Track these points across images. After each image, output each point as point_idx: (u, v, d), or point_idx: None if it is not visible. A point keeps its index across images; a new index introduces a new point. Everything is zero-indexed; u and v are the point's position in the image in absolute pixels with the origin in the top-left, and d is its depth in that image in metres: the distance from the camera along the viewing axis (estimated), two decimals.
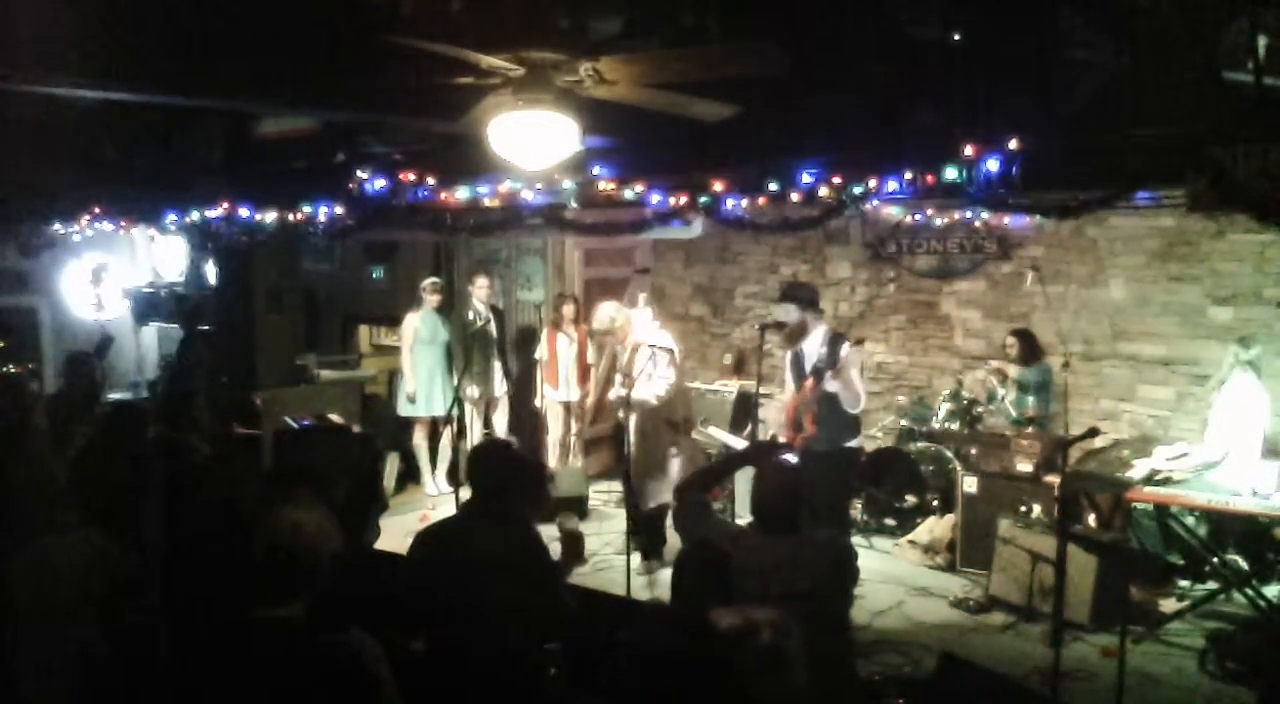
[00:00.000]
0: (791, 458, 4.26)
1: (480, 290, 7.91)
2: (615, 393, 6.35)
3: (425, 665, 3.28)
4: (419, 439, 8.05)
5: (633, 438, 6.13)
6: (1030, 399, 7.04)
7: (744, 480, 6.73)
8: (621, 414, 6.25)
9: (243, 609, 2.40)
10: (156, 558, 3.75)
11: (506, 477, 3.56)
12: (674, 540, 6.51)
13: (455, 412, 6.91)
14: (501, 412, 8.13)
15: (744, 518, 6.41)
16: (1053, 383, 7.18)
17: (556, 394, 8.02)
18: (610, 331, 6.39)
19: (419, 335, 7.93)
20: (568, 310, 8.00)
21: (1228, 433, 5.63)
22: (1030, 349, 7.26)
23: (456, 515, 3.65)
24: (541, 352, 8.04)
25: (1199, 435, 6.23)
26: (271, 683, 2.32)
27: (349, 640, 2.41)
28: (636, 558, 6.00)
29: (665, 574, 3.14)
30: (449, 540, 3.49)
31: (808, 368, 5.49)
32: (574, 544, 3.70)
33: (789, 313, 5.49)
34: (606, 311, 6.41)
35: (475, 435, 8.02)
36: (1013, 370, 7.25)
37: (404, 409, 8.05)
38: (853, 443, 5.49)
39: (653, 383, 6.08)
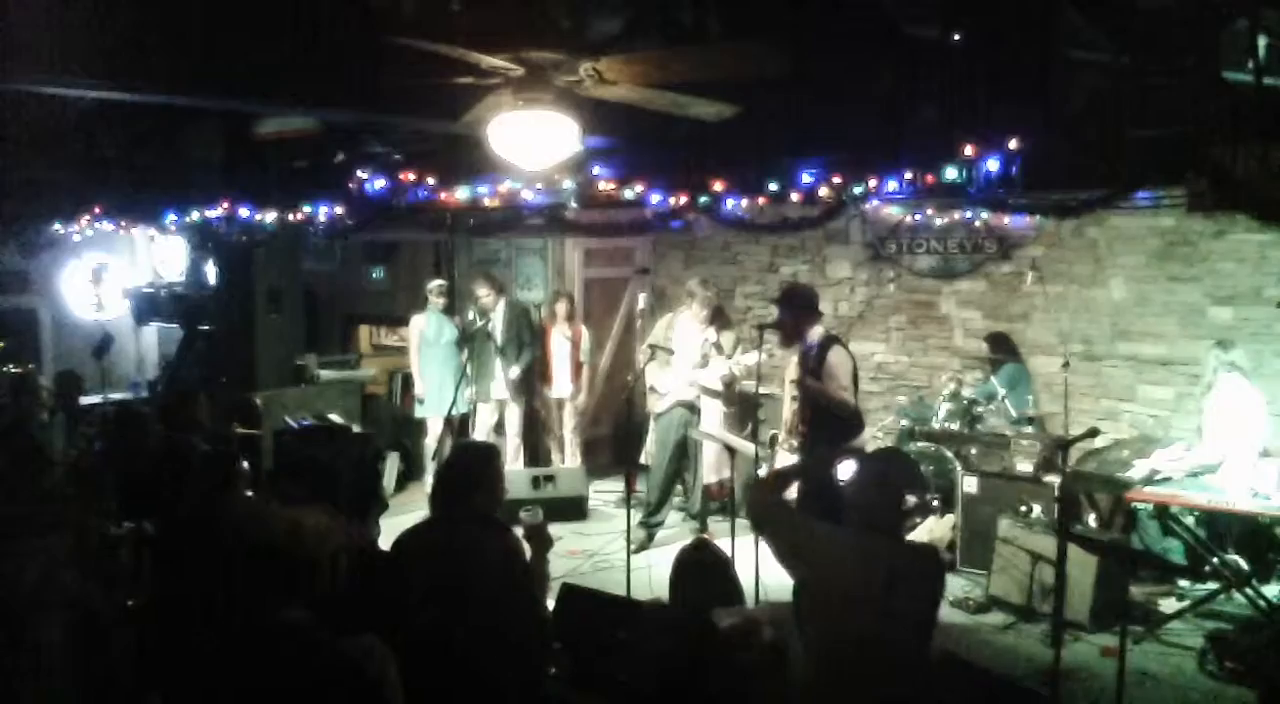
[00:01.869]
0: (851, 462, 4.21)
1: (481, 298, 7.86)
2: (670, 377, 6.73)
3: (415, 666, 3.28)
4: (431, 440, 8.02)
5: (715, 411, 6.74)
6: (1013, 401, 7.07)
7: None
8: (673, 395, 6.76)
9: (243, 612, 2.37)
10: (157, 557, 3.76)
11: (480, 477, 3.54)
12: (670, 537, 6.55)
13: (457, 412, 6.91)
14: (512, 412, 8.06)
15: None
16: (1021, 384, 7.19)
17: (551, 391, 8.05)
18: (707, 300, 6.76)
19: (424, 336, 7.93)
20: (561, 308, 8.01)
21: (1223, 437, 5.61)
22: (997, 353, 7.33)
23: (434, 518, 3.61)
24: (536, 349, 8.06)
25: (1198, 436, 6.21)
26: (270, 687, 2.29)
27: (353, 645, 2.37)
28: (638, 557, 6.01)
29: (664, 572, 3.12)
30: (430, 543, 3.47)
31: (794, 372, 5.51)
32: (539, 537, 3.67)
33: (780, 316, 5.49)
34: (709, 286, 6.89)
35: (483, 436, 8.01)
36: (967, 386, 7.29)
37: (417, 410, 8.04)
38: (854, 445, 5.44)
39: (746, 356, 6.58)
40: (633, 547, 5.99)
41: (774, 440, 6.84)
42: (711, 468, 6.89)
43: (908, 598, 3.10)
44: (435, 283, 8.11)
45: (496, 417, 7.96)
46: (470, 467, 3.53)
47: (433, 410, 7.89)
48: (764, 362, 5.75)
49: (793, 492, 5.46)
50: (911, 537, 6.60)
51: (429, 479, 8.11)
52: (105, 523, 3.72)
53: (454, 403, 6.82)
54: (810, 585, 3.23)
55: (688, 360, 6.69)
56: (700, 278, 7.00)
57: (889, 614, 3.04)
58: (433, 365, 7.91)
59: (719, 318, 6.86)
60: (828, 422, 5.17)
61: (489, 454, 3.67)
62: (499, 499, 3.58)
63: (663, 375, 6.76)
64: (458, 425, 7.90)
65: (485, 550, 3.39)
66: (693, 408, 6.74)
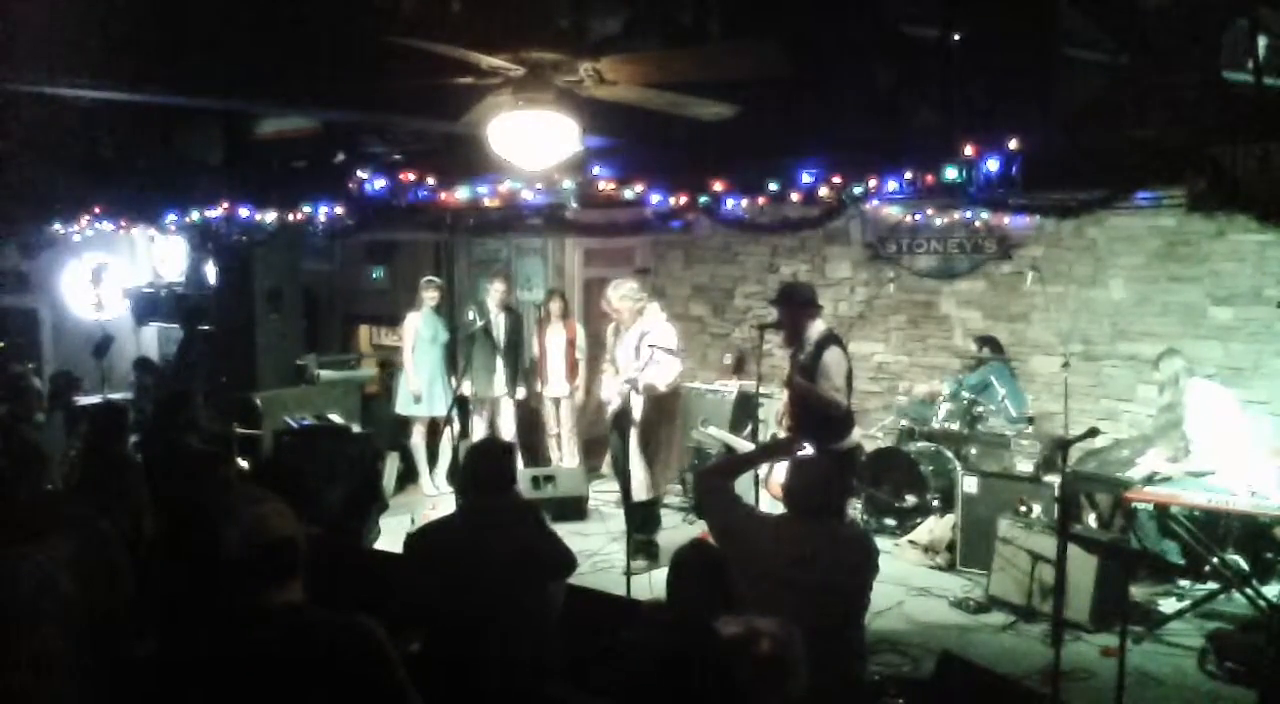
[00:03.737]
0: (808, 452, 4.29)
1: (496, 293, 7.88)
2: (614, 383, 6.37)
3: (426, 666, 3.28)
4: (417, 439, 8.05)
5: (633, 425, 6.18)
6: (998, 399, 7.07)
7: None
8: (615, 403, 6.29)
9: (245, 598, 2.40)
10: (150, 557, 3.75)
11: (512, 473, 3.59)
12: (671, 538, 6.54)
13: (455, 412, 6.91)
14: (506, 412, 8.10)
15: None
16: (1004, 379, 7.18)
17: (547, 390, 8.07)
18: (617, 309, 6.38)
19: (420, 335, 7.93)
20: (556, 307, 8.03)
21: (1212, 443, 5.59)
22: (985, 351, 7.33)
23: (455, 515, 3.64)
24: (533, 348, 8.07)
25: (1159, 443, 6.18)
26: (290, 662, 2.33)
27: (361, 620, 2.44)
28: (637, 557, 6.00)
29: (664, 573, 3.13)
30: (452, 541, 3.49)
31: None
32: None
33: (779, 316, 5.48)
34: (622, 289, 6.39)
35: (477, 436, 8.03)
36: (946, 387, 7.31)
37: (405, 408, 8.04)
38: (843, 444, 5.40)
39: (660, 369, 6.05)
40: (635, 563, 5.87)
41: (771, 441, 6.84)
42: (642, 485, 6.31)
43: (828, 577, 3.31)
44: (426, 278, 8.13)
45: (489, 415, 7.98)
46: (502, 463, 3.66)
47: (424, 409, 7.91)
48: (763, 361, 5.74)
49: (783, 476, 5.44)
50: (912, 536, 6.62)
51: (424, 479, 8.13)
52: (108, 523, 3.71)
53: (453, 404, 6.83)
54: (739, 566, 3.38)
55: (631, 368, 6.23)
56: (612, 284, 6.51)
57: (809, 592, 3.23)
58: (426, 364, 7.91)
59: (636, 317, 6.33)
60: (816, 421, 5.16)
61: (511, 450, 3.87)
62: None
63: (610, 385, 6.51)
64: (444, 424, 7.88)
65: (515, 548, 3.46)
66: (627, 416, 6.24)
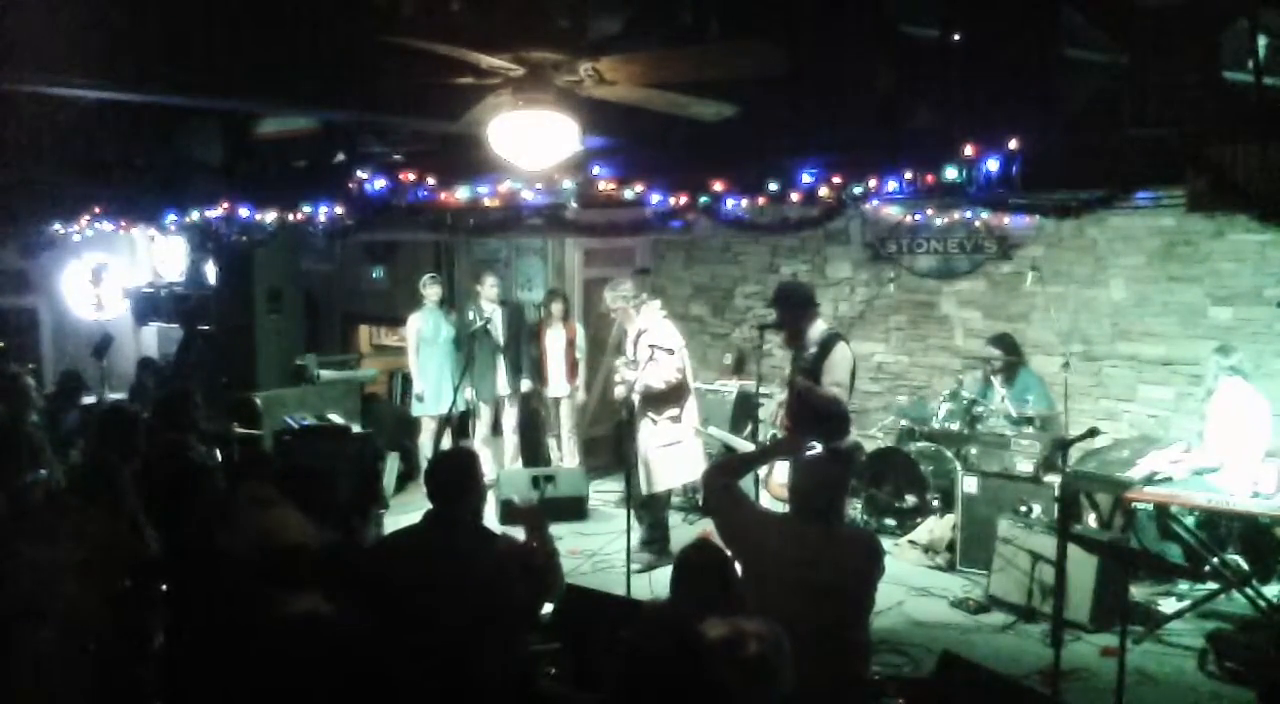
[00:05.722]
0: (813, 453, 4.29)
1: (490, 290, 7.92)
2: (618, 377, 6.39)
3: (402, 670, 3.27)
4: (425, 438, 8.06)
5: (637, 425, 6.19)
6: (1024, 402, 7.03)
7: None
8: (622, 401, 6.31)
9: (264, 602, 2.40)
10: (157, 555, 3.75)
11: (467, 483, 3.56)
12: (672, 538, 6.54)
13: (458, 411, 6.92)
14: (510, 411, 8.13)
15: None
16: (1004, 382, 7.13)
17: (548, 390, 8.08)
18: (616, 309, 6.41)
19: (422, 335, 7.97)
20: (557, 308, 8.05)
21: (1224, 441, 5.60)
22: (1009, 356, 7.20)
23: (420, 525, 3.61)
24: (533, 348, 8.08)
25: (1198, 437, 6.20)
26: (302, 670, 2.33)
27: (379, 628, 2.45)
28: (636, 558, 6.00)
29: (664, 573, 3.14)
30: (414, 550, 3.46)
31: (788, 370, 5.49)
32: (533, 516, 3.70)
33: (779, 317, 5.49)
34: (621, 289, 6.42)
35: (482, 434, 8.05)
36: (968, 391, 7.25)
37: (414, 409, 8.09)
38: (843, 443, 5.39)
39: (657, 370, 6.07)
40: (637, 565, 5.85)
41: (774, 440, 6.82)
42: (644, 481, 6.30)
43: (833, 578, 3.31)
44: (427, 276, 8.18)
45: (494, 415, 7.99)
46: (458, 473, 3.58)
47: (431, 409, 7.92)
48: (763, 361, 5.72)
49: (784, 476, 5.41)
50: (912, 536, 6.62)
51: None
52: (112, 525, 3.70)
53: (454, 402, 6.84)
54: (744, 565, 3.44)
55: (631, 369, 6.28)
56: (609, 284, 6.55)
57: (813, 593, 3.23)
58: (431, 364, 7.94)
59: (636, 320, 6.35)
60: (815, 420, 5.16)
61: (471, 459, 3.73)
62: (483, 501, 3.70)
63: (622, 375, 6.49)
64: (456, 424, 7.91)
65: (480, 553, 3.43)
66: (631, 412, 6.29)
